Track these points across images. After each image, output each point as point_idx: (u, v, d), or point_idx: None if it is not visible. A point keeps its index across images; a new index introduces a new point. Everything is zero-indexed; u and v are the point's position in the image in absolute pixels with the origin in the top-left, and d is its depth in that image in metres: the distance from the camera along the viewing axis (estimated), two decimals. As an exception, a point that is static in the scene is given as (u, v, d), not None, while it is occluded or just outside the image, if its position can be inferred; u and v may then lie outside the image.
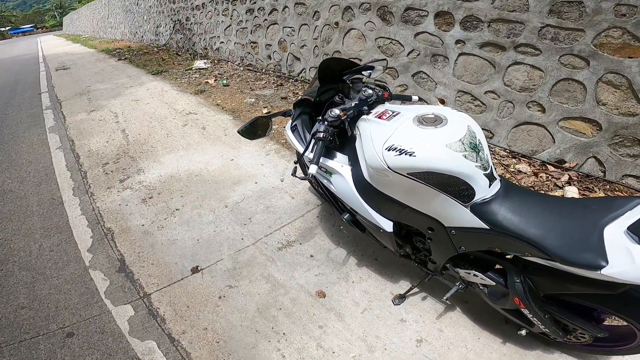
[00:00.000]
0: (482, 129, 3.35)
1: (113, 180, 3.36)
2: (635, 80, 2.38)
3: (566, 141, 2.82)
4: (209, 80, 6.01)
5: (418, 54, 3.61)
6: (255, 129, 1.67)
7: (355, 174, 1.60)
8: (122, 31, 14.67)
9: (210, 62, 7.24)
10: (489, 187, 1.29)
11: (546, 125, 2.90)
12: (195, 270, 2.26)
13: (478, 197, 1.28)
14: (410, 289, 1.91)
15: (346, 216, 1.86)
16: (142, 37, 12.36)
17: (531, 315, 1.40)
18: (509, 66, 2.99)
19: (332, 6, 4.45)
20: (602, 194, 2.57)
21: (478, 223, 1.28)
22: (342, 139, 1.75)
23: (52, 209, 3.02)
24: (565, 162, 2.88)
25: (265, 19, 5.68)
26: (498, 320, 1.75)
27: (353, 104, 1.60)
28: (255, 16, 5.92)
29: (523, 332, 1.56)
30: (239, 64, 6.72)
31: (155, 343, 1.83)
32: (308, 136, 1.86)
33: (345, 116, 1.51)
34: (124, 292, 2.14)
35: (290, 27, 5.24)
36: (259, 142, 3.80)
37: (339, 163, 1.66)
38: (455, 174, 1.23)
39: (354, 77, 1.83)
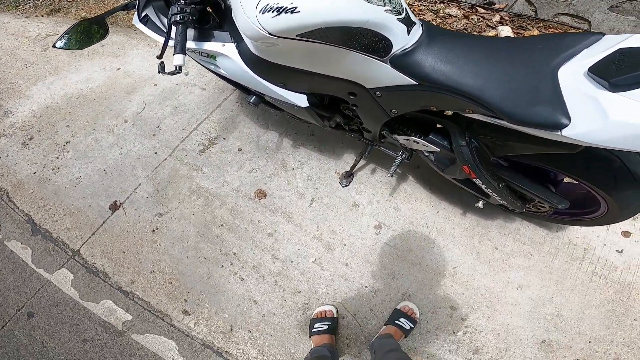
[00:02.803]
0: None
1: (-21, 134, 2.64)
2: None
3: (488, -17, 2.41)
4: (64, -5, 4.37)
5: None
6: (83, 36, 1.26)
7: (241, 50, 1.28)
8: None
9: (60, -24, 5.11)
10: (408, 34, 1.03)
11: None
12: (114, 207, 1.92)
13: (397, 48, 1.03)
14: (355, 164, 1.64)
15: (252, 99, 1.53)
16: None
17: (485, 186, 1.24)
18: None
19: None
20: (536, 32, 2.41)
21: (403, 79, 1.06)
22: (222, 16, 1.36)
23: None
24: (494, 4, 2.63)
25: None
26: (454, 186, 1.55)
27: None
28: None
29: (480, 204, 1.42)
30: None
31: (112, 301, 1.68)
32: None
33: None
34: (51, 256, 1.87)
35: None
36: (149, 40, 2.92)
37: (219, 43, 1.33)
38: (358, 24, 0.96)
39: None
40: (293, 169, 1.78)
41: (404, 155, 1.47)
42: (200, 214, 1.77)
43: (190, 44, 1.30)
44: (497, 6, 2.68)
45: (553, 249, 1.47)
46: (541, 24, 2.55)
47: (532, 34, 2.39)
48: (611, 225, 1.47)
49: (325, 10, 0.94)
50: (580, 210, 1.34)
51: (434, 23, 2.65)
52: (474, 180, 1.25)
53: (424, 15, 2.79)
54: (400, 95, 1.13)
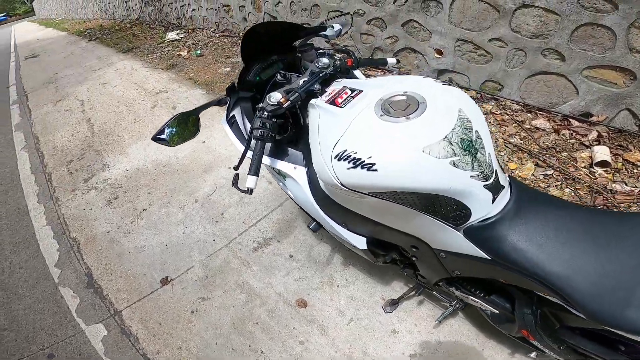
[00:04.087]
0: (490, 81, 2.97)
1: (77, 180, 3.18)
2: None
3: (593, 92, 2.47)
4: (182, 52, 5.66)
5: (406, 0, 3.22)
6: (177, 131, 1.21)
7: (311, 178, 1.26)
8: (93, 10, 14.25)
9: (184, 32, 6.82)
10: (493, 202, 0.95)
11: (567, 74, 2.54)
12: (164, 281, 2.11)
13: (475, 218, 0.96)
14: (403, 296, 1.70)
15: (312, 225, 1.58)
16: (114, 13, 11.86)
17: (542, 346, 1.18)
18: (515, 10, 2.61)
19: (305, -48, 4.00)
20: (638, 154, 2.26)
21: (475, 251, 0.98)
22: (300, 131, 1.39)
23: (19, 220, 2.90)
24: (592, 115, 2.54)
25: (236, -23, 5.25)
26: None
27: (301, 82, 1.21)
28: (224, -25, 5.48)
29: (533, 355, 1.35)
30: (214, 30, 6.31)
31: (131, 364, 1.74)
32: None
33: (289, 102, 1.13)
34: (94, 310, 2.05)
35: (263, -17, 4.83)
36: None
37: (291, 164, 1.29)
38: (439, 192, 0.90)
39: (303, 43, 1.44)
40: (339, 286, 1.87)
41: (457, 305, 1.42)
42: (239, 308, 1.88)
43: (264, 159, 1.24)
44: (594, 118, 2.50)
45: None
46: (647, 142, 2.29)
47: (633, 156, 2.28)
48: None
49: (405, 175, 0.88)
50: None
51: (518, 136, 2.55)
52: (532, 341, 1.18)
53: (507, 126, 2.65)
54: (468, 263, 1.05)
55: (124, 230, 2.53)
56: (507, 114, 2.78)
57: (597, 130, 2.45)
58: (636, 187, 2.09)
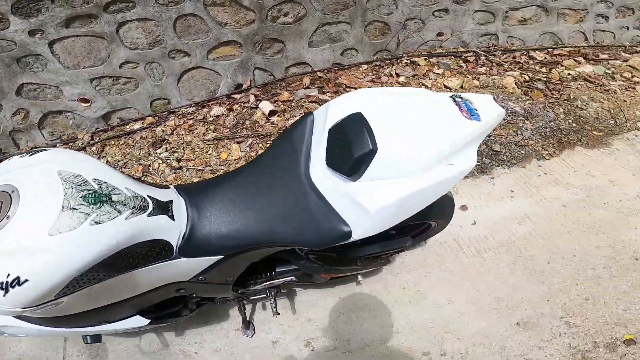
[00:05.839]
0: (155, 100, 3.14)
1: None
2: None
3: (227, 68, 3.14)
4: None
5: (-1, 67, 2.83)
6: None
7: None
8: None
9: None
10: (173, 219, 0.99)
11: (202, 65, 3.07)
12: None
13: (175, 240, 1.01)
14: (244, 315, 1.79)
15: (89, 339, 1.31)
16: None
17: (349, 271, 1.52)
18: (117, 29, 2.79)
19: None
20: (287, 94, 3.10)
21: (208, 261, 1.07)
22: None
23: None
24: (241, 84, 3.25)
25: None
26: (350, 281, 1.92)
27: None
28: None
29: (360, 279, 1.72)
30: None
31: None
32: None
33: None
34: None
35: None
36: None
37: None
38: (110, 253, 0.85)
39: None
40: (196, 352, 1.84)
41: (273, 293, 1.58)
42: None
43: None
44: (245, 86, 3.25)
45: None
46: (284, 84, 3.26)
47: (284, 96, 3.07)
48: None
49: (54, 267, 0.78)
50: (419, 230, 1.65)
51: (211, 131, 2.93)
52: (339, 275, 1.48)
53: (196, 128, 3.00)
54: (220, 270, 1.12)
55: None
56: (191, 119, 3.13)
57: (252, 94, 3.18)
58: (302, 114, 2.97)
